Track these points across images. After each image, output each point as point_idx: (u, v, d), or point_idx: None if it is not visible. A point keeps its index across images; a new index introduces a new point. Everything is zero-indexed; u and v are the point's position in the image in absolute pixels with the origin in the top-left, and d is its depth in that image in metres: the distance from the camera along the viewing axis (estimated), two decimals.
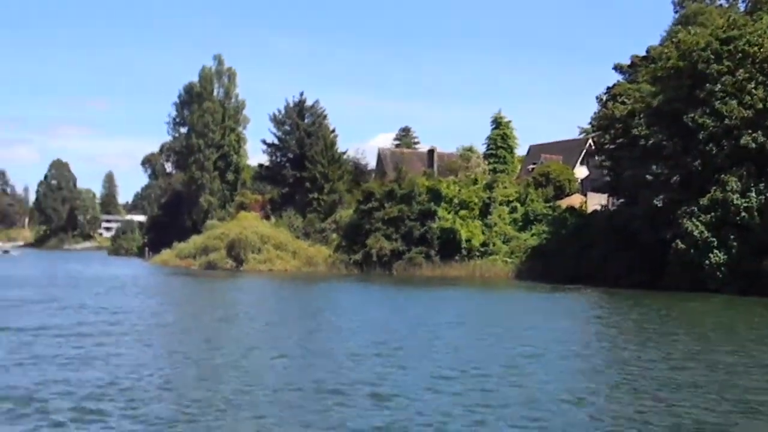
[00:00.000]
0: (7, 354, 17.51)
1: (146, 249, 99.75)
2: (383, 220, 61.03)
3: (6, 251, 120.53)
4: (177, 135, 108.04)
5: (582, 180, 70.91)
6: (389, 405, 13.23)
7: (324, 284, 51.51)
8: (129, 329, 23.44)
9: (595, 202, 63.53)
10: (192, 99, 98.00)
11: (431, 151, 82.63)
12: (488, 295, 44.89)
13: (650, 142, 45.69)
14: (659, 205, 44.92)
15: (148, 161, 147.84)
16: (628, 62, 56.47)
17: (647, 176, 45.63)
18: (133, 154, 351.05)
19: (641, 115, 47.18)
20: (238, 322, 28.02)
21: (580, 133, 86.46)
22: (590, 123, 72.28)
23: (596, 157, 61.31)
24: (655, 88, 48.20)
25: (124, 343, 20.23)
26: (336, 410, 12.76)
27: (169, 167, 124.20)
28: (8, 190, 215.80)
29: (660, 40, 55.29)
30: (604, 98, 59.08)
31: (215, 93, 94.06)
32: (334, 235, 67.54)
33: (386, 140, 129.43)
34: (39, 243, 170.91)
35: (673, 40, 47.76)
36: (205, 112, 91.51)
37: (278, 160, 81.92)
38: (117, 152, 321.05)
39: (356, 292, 45.79)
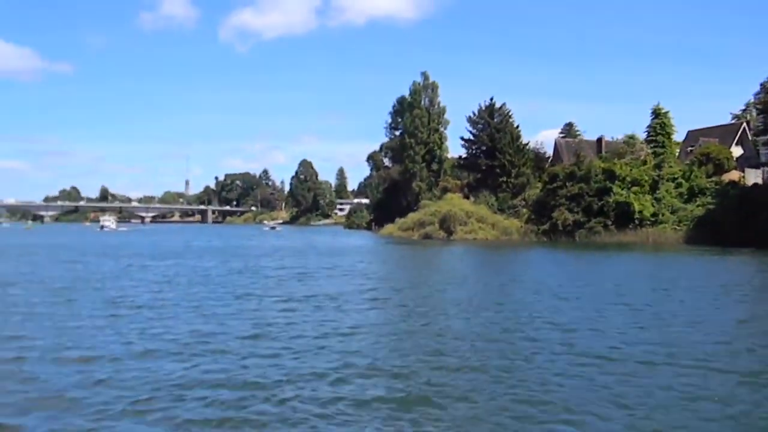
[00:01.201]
0: (336, 323, 14.92)
1: (373, 224, 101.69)
2: (566, 196, 57.85)
3: (273, 227, 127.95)
4: (392, 137, 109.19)
5: (737, 158, 63.61)
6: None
7: (529, 250, 48.05)
8: (406, 298, 20.45)
9: (752, 177, 57.16)
10: (403, 108, 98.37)
11: (600, 140, 77.51)
12: (686, 259, 38.16)
13: None
14: None
15: (371, 158, 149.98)
16: None
17: None
18: (357, 154, 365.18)
19: None
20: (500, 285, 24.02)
21: (733, 118, 78.04)
22: (746, 108, 64.57)
23: (757, 137, 54.58)
24: None
25: (422, 313, 16.79)
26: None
27: (386, 161, 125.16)
28: (270, 183, 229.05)
29: None
30: None
31: (422, 102, 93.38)
32: (524, 210, 64.85)
33: (550, 134, 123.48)
34: (292, 221, 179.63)
35: None
36: (415, 117, 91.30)
37: (473, 152, 79.86)
38: (345, 153, 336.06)
39: (571, 258, 40.56)
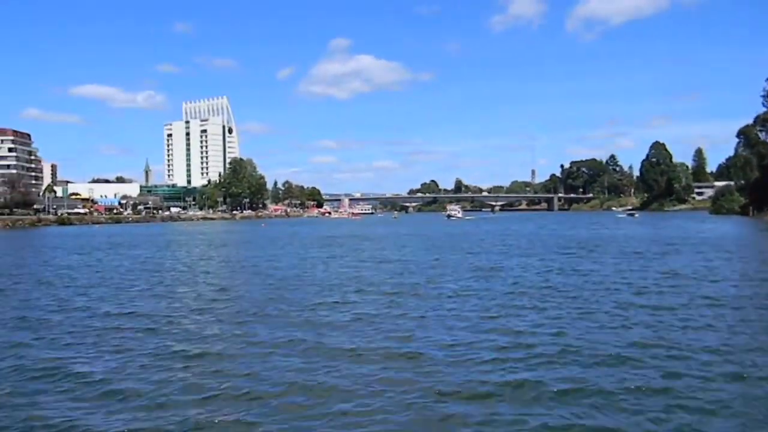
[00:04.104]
0: None
1: (750, 208, 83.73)
2: None
3: (632, 214, 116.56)
4: None
5: None
6: None
7: None
8: None
9: None
10: None
11: None
12: None
13: None
14: None
15: (742, 133, 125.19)
16: None
17: None
18: (712, 135, 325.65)
19: None
20: None
21: None
22: None
23: None
24: None
25: None
26: None
27: (762, 136, 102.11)
28: (617, 169, 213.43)
29: None
30: None
31: None
32: None
33: None
34: (643, 207, 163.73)
35: None
36: None
37: None
38: (699, 134, 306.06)
39: None
